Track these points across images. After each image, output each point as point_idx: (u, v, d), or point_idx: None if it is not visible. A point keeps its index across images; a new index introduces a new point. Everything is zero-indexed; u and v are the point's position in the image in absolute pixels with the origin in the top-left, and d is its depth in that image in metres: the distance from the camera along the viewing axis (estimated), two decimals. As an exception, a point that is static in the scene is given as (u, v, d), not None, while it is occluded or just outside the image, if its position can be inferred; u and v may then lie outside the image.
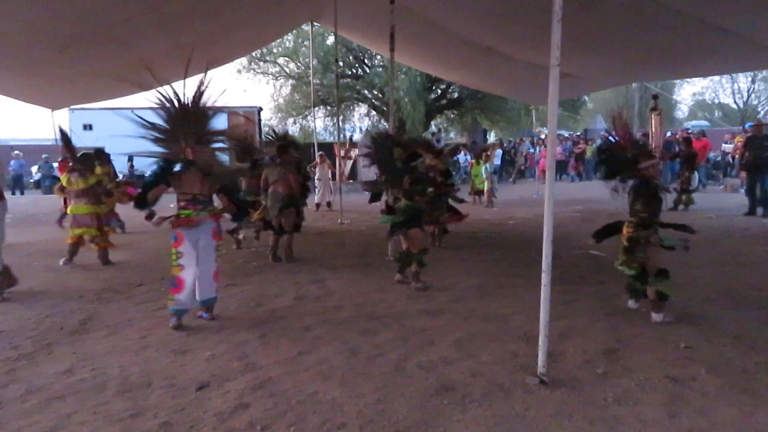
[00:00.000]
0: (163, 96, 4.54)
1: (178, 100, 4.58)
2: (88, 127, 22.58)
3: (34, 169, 22.90)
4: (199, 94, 4.65)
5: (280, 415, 3.07)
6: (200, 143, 4.73)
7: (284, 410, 3.11)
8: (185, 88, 4.64)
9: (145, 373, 3.66)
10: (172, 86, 4.58)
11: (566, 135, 27.25)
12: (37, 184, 22.54)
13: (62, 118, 17.55)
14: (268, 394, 3.31)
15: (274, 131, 8.94)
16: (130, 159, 20.30)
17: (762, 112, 32.41)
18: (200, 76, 4.72)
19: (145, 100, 4.85)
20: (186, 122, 4.63)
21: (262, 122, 25.27)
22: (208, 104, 4.74)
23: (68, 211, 7.51)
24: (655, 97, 9.53)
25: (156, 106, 4.57)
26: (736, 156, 16.26)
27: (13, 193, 20.57)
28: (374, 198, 6.73)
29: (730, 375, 3.50)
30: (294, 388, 3.39)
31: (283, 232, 7.26)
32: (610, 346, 4.02)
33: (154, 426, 2.98)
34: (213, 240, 4.79)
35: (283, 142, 7.49)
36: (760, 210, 10.70)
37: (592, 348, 4.00)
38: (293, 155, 7.43)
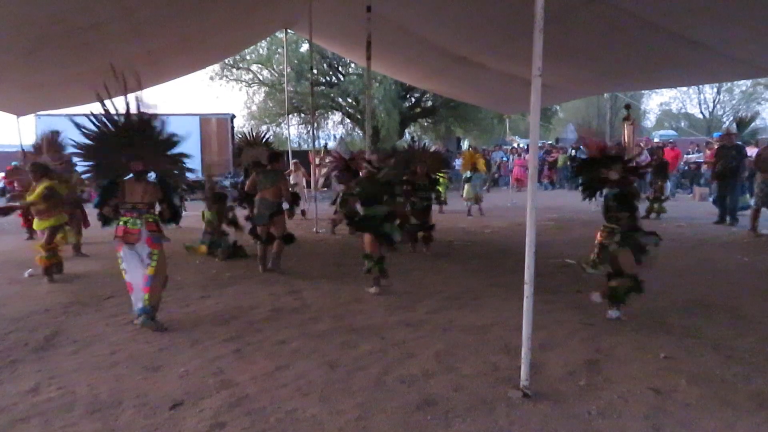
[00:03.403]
0: (103, 113, 4.72)
1: (118, 116, 4.76)
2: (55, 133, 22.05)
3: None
4: (138, 109, 4.81)
5: (258, 434, 2.97)
6: (151, 154, 4.96)
7: (262, 429, 3.01)
8: (128, 103, 4.78)
9: (116, 391, 3.51)
10: (112, 102, 4.73)
11: (539, 144, 27.54)
12: (2, 192, 21.88)
13: (29, 124, 17.01)
14: (244, 413, 3.20)
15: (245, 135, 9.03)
16: None
17: (727, 122, 33.22)
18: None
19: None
20: (130, 136, 4.82)
21: (235, 129, 24.96)
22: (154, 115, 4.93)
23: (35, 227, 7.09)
24: (628, 107, 9.63)
25: (96, 121, 4.75)
26: (705, 166, 16.61)
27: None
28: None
29: (711, 385, 3.51)
30: (272, 406, 3.28)
31: (272, 241, 7.16)
32: (590, 358, 4.01)
33: (125, 448, 2.85)
34: (149, 247, 4.88)
35: (274, 150, 7.51)
36: (728, 218, 10.90)
37: (572, 359, 3.98)
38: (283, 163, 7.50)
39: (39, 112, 14.56)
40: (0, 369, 3.92)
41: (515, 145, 25.41)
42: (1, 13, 5.94)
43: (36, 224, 6.94)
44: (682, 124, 43.50)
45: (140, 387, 3.58)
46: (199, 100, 71.31)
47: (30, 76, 8.44)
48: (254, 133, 9.11)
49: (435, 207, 9.71)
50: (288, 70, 16.86)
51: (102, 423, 3.10)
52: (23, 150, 9.36)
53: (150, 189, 4.97)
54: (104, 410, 3.25)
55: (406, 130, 27.06)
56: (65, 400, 3.40)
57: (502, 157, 24.44)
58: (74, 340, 4.54)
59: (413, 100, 25.84)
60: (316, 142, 15.66)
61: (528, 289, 3.34)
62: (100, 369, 3.91)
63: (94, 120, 4.71)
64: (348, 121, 27.14)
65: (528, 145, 25.05)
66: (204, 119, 20.69)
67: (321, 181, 14.34)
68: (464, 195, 13.40)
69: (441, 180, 13.70)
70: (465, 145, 30.74)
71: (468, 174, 13.19)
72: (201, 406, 3.28)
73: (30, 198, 6.67)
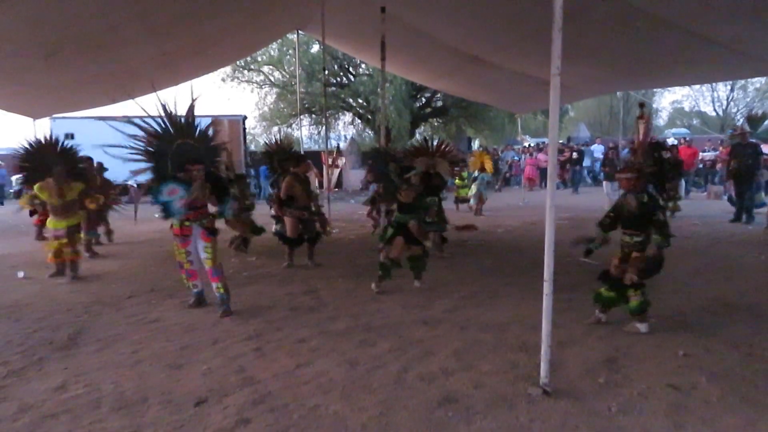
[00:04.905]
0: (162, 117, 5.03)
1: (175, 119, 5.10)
2: (69, 136, 22.31)
3: (14, 178, 22.49)
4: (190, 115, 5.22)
5: (283, 430, 3.01)
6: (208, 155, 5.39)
7: (286, 425, 3.05)
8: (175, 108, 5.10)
9: (140, 388, 3.58)
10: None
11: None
12: (18, 194, 22.14)
13: (44, 126, 17.23)
14: (268, 409, 3.24)
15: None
16: None
17: (740, 120, 32.91)
18: (186, 84, 5.08)
19: (129, 108, 5.07)
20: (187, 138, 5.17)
21: (247, 131, 25.10)
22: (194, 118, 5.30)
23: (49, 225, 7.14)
24: (642, 104, 9.57)
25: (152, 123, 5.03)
26: (719, 165, 16.48)
27: (-6, 204, 20.22)
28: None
29: (731, 383, 3.51)
30: (294, 402, 3.33)
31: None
32: (609, 355, 4.02)
33: (152, 444, 2.91)
34: (203, 241, 5.29)
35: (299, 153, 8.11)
36: (744, 217, 10.84)
37: (591, 357, 3.99)
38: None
39: (54, 115, 14.74)
40: (27, 367, 4.00)
41: (526, 144, 25.34)
42: (20, 18, 6.04)
43: (51, 223, 7.00)
44: (695, 121, 43.16)
45: (164, 384, 3.64)
46: (210, 101, 71.68)
47: (47, 78, 8.55)
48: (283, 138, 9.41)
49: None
50: (299, 71, 16.94)
51: (129, 419, 3.16)
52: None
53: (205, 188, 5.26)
54: (130, 407, 3.31)
55: (417, 130, 27.08)
56: (92, 397, 3.46)
57: (513, 157, 24.38)
58: (97, 338, 4.61)
59: (424, 100, 25.86)
60: (328, 143, 15.66)
61: (547, 287, 3.35)
62: (124, 367, 3.98)
63: (155, 123, 4.98)
64: (359, 121, 27.21)
65: (538, 144, 25.04)
66: (216, 121, 20.81)
67: (333, 181, 14.40)
68: (470, 193, 13.52)
69: (460, 180, 13.84)
70: (476, 145, 30.83)
71: (475, 174, 13.34)
72: (225, 403, 3.34)
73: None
